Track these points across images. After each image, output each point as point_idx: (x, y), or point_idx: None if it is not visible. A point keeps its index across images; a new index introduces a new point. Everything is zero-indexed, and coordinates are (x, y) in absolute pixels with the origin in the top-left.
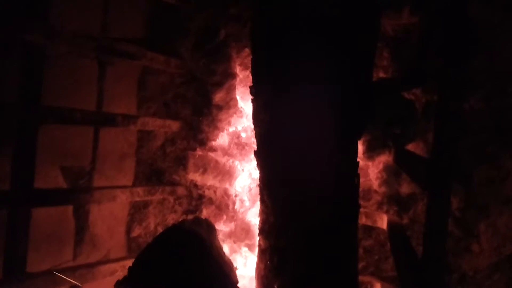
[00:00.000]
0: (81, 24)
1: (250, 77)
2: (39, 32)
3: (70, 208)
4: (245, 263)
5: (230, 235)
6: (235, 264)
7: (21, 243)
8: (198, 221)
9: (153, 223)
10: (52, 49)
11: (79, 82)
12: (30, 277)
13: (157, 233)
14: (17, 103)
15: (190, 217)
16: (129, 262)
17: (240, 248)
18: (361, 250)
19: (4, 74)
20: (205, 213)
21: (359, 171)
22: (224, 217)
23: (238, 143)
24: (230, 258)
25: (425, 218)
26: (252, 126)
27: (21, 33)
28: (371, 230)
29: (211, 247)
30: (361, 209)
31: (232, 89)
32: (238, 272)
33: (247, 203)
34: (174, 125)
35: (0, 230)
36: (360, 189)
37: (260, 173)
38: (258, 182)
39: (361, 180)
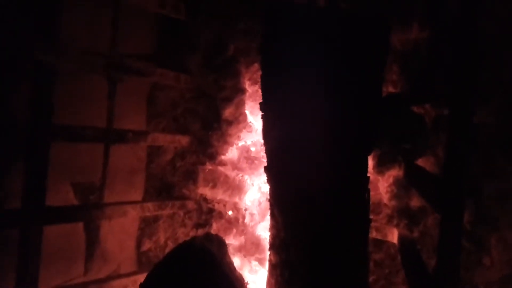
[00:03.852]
0: (91, 41)
1: (259, 92)
2: (49, 50)
3: (80, 224)
4: (256, 278)
5: (240, 249)
6: (245, 279)
7: (33, 260)
8: (209, 237)
9: (163, 237)
10: (62, 66)
11: (89, 99)
12: None
13: (167, 247)
14: (28, 121)
15: (200, 232)
16: (140, 277)
17: (251, 262)
18: (371, 264)
19: (15, 92)
20: (215, 227)
21: (369, 186)
22: (234, 231)
23: (247, 157)
24: (241, 272)
25: (438, 233)
26: (262, 141)
27: (31, 51)
28: (381, 243)
29: (222, 263)
30: (372, 223)
31: (241, 104)
32: (249, 287)
33: (257, 217)
34: (183, 140)
35: (12, 248)
36: (370, 203)
37: (270, 188)
38: (268, 197)
39: (371, 194)
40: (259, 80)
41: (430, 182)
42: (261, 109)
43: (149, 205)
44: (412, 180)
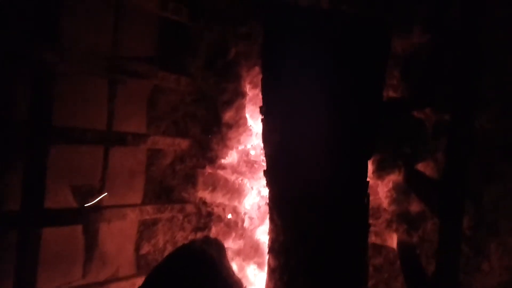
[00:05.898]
0: (92, 43)
1: (260, 95)
2: (50, 51)
3: (79, 227)
4: (254, 282)
5: (239, 252)
6: (244, 283)
7: (31, 263)
8: (208, 240)
9: (162, 241)
10: (62, 68)
11: (90, 101)
12: None
13: (166, 251)
14: (28, 123)
15: (199, 236)
16: (138, 280)
17: (249, 266)
18: (371, 269)
19: (15, 94)
20: (214, 230)
21: (369, 190)
22: (233, 234)
23: (247, 161)
24: (239, 276)
25: (438, 238)
26: (262, 145)
27: (32, 52)
28: (380, 248)
29: (221, 267)
30: (371, 228)
31: (241, 108)
32: None
33: (256, 221)
34: (183, 143)
35: (11, 250)
36: (370, 208)
37: (269, 192)
38: (267, 201)
39: (371, 198)
40: (260, 83)
41: (430, 186)
42: (261, 112)
43: (148, 208)
44: (412, 184)
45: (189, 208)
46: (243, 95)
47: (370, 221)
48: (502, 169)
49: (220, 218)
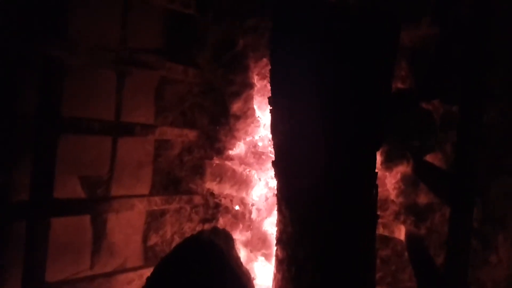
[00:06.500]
0: (100, 36)
1: (268, 86)
2: (58, 44)
3: (87, 217)
4: (262, 273)
5: (247, 244)
6: (252, 274)
7: (40, 253)
8: (216, 231)
9: (170, 232)
10: (71, 61)
11: (98, 92)
12: (49, 286)
13: (174, 242)
14: (37, 115)
15: (207, 227)
16: (146, 271)
17: (257, 257)
18: (378, 261)
19: (24, 86)
20: (221, 222)
21: (377, 181)
22: (241, 226)
23: (255, 152)
24: (247, 267)
25: (446, 230)
26: (270, 136)
27: (41, 46)
28: (388, 240)
29: (229, 258)
30: (379, 219)
31: (249, 99)
32: (255, 282)
33: (263, 213)
34: (191, 134)
35: (20, 241)
36: (378, 199)
37: (277, 183)
38: (275, 192)
39: (379, 190)
40: (268, 74)
41: (440, 177)
42: (270, 103)
43: (156, 199)
44: (421, 175)
45: (197, 199)
46: (251, 86)
47: (378, 212)
48: (509, 163)
49: (227, 210)
